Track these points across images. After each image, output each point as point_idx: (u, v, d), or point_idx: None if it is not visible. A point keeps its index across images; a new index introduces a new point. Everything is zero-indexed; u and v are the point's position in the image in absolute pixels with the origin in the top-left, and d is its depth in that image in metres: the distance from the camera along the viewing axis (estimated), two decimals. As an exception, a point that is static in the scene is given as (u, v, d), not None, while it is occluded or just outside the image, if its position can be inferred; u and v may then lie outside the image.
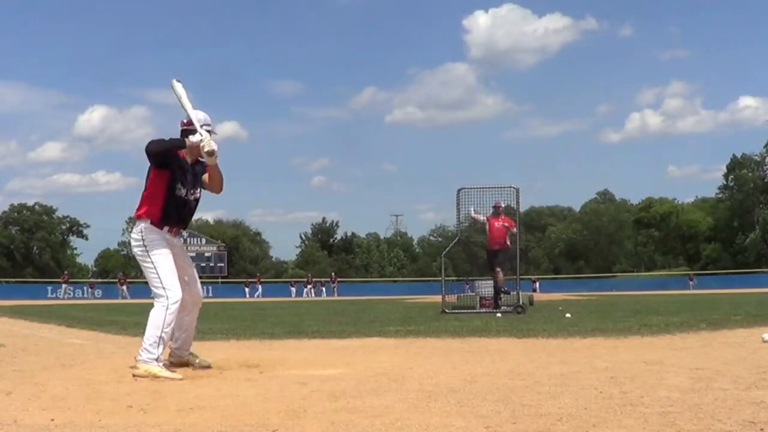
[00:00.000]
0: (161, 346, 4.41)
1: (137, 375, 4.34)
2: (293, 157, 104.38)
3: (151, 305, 4.53)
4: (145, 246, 4.50)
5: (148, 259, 4.50)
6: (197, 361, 4.82)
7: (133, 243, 4.61)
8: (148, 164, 4.55)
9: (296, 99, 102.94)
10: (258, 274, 55.59)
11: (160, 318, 4.40)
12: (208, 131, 4.56)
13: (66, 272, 51.31)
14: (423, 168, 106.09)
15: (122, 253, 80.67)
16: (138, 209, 4.58)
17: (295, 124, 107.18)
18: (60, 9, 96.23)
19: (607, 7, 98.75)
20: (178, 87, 4.66)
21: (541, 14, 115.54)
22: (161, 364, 4.40)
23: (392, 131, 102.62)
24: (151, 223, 4.53)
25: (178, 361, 4.78)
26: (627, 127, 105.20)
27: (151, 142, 4.49)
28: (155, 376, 4.27)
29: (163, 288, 4.44)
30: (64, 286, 45.66)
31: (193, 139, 4.49)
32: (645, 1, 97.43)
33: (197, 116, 4.58)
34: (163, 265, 4.48)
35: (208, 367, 4.77)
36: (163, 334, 4.39)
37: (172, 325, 4.47)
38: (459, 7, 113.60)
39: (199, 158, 4.68)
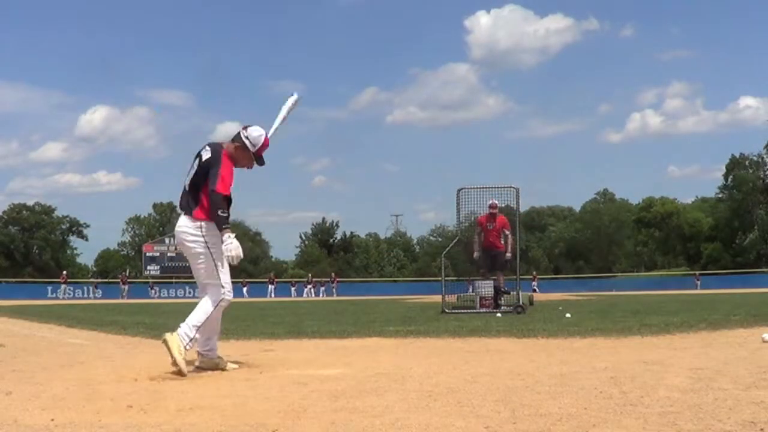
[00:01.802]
0: (199, 334, 4.47)
1: (165, 341, 4.35)
2: (294, 157, 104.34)
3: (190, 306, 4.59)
4: (206, 241, 4.57)
5: (208, 253, 4.55)
6: (230, 366, 4.79)
7: (190, 237, 4.59)
8: (199, 167, 4.58)
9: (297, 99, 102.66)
10: (271, 274, 55.50)
11: (210, 308, 4.51)
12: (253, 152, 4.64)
13: (65, 272, 51.41)
14: (423, 168, 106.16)
15: (122, 253, 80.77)
16: (198, 209, 4.59)
17: (296, 124, 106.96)
18: (61, 8, 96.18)
19: (608, 8, 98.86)
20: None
21: (543, 15, 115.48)
22: (188, 348, 4.44)
23: (393, 131, 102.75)
24: (208, 223, 4.59)
25: (209, 365, 4.72)
26: (627, 127, 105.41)
27: (219, 202, 4.47)
28: (173, 356, 4.28)
29: (222, 284, 4.56)
30: (63, 286, 45.73)
31: (225, 245, 4.47)
32: (646, 2, 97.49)
33: (258, 139, 4.63)
34: (225, 263, 4.58)
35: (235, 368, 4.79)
36: (205, 324, 4.49)
37: (219, 320, 4.59)
38: (460, 8, 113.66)
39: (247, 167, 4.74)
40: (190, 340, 4.46)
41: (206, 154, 4.60)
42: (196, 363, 4.68)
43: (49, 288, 47.74)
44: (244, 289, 47.67)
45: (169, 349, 4.35)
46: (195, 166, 4.63)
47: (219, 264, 4.58)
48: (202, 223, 4.57)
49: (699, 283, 47.91)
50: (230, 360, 4.87)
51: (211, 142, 4.72)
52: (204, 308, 4.55)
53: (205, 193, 4.54)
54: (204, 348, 4.67)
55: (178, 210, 4.79)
